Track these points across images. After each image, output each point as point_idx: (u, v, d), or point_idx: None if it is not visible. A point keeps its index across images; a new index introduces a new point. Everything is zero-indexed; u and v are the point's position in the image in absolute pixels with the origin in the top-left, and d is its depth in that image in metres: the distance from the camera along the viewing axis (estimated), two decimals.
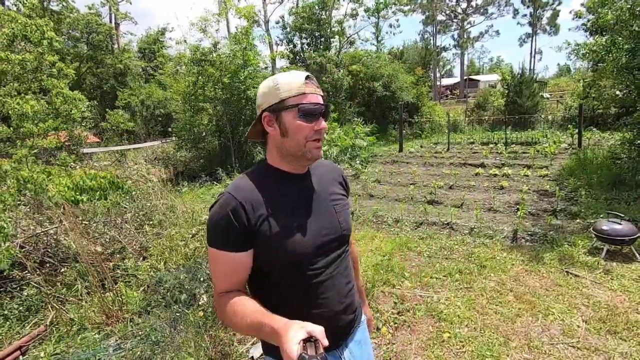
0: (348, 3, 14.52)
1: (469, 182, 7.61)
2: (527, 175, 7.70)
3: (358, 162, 4.07)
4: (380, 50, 19.60)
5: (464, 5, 48.75)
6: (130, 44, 21.79)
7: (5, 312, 3.11)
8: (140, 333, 2.76)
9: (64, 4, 20.46)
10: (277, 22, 15.54)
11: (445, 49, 52.19)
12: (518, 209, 5.51)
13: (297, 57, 14.11)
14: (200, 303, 2.96)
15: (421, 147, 13.88)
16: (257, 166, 1.12)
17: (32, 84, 7.21)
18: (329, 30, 14.14)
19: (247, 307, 0.92)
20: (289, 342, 0.73)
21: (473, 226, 4.99)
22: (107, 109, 18.12)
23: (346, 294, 1.14)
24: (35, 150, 5.68)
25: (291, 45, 14.43)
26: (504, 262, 3.87)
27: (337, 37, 14.70)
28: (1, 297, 3.19)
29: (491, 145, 12.33)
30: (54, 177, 3.50)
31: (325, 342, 0.74)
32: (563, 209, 5.41)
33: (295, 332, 0.75)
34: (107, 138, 14.90)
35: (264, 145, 1.12)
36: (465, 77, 48.87)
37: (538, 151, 10.38)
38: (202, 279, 3.18)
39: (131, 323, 2.96)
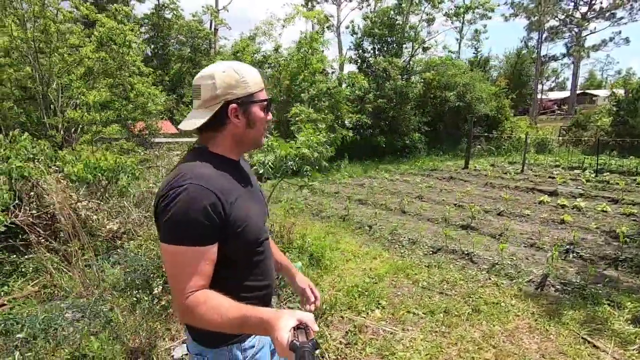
0: (425, 7, 13.68)
1: (524, 210, 6.53)
2: (606, 212, 6.30)
3: (308, 173, 3.77)
4: (458, 57, 18.16)
5: (583, 9, 42.42)
6: (224, 47, 23.98)
7: (16, 268, 3.62)
8: (95, 309, 2.95)
9: (175, 12, 23.51)
10: (347, 27, 15.41)
11: (554, 58, 46.10)
12: (567, 250, 4.54)
13: (365, 62, 13.83)
14: (154, 292, 3.05)
15: (492, 165, 12.44)
16: (200, 154, 1.07)
17: (114, 79, 8.38)
18: (401, 36, 13.56)
19: (223, 303, 0.91)
20: (281, 330, 0.76)
21: (496, 261, 4.24)
22: None
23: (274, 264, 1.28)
24: (97, 137, 6.62)
25: (360, 50, 14.24)
26: (507, 310, 3.18)
27: (410, 42, 14.02)
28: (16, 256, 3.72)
29: (577, 172, 10.42)
30: (79, 159, 3.96)
31: (316, 328, 0.77)
32: (630, 258, 4.26)
33: (286, 321, 0.78)
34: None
35: (206, 132, 1.09)
36: (579, 91, 42.52)
37: (639, 184, 8.44)
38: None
39: (101, 298, 3.20)
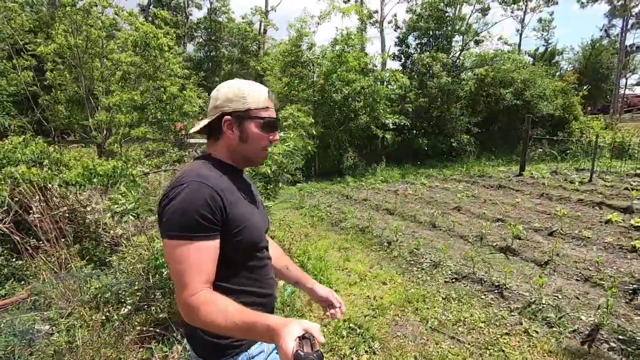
0: None
1: (584, 231, 5.44)
2: None
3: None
4: (518, 50, 16.25)
5: None
6: (272, 48, 24.29)
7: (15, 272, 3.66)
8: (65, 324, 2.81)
9: (227, 16, 24.30)
10: (390, 22, 14.49)
11: None
12: (635, 292, 3.58)
13: (409, 59, 12.85)
14: (121, 312, 2.83)
15: (554, 172, 10.88)
16: (203, 159, 1.14)
17: (152, 82, 8.62)
18: (451, 29, 12.41)
19: (228, 307, 0.90)
20: (286, 339, 0.74)
21: (534, 299, 3.44)
22: None
23: (274, 275, 1.27)
24: (125, 138, 6.79)
25: (404, 46, 13.27)
26: None
27: (461, 35, 12.79)
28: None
29: None
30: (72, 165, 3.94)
31: (322, 339, 0.76)
32: None
33: (292, 329, 0.76)
34: None
35: (210, 140, 1.17)
36: None
37: None
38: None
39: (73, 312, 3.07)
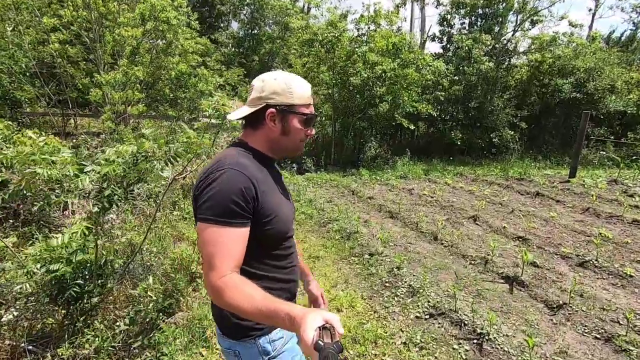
0: None
1: (627, 267, 4.28)
2: None
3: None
4: (589, 34, 13.78)
5: None
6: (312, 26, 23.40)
7: None
8: None
9: None
10: None
11: None
12: None
13: (451, 41, 11.31)
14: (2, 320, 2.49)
15: (613, 181, 9.15)
16: (240, 146, 1.18)
17: (162, 58, 8.38)
18: (503, 6, 10.69)
19: (254, 292, 0.92)
20: (307, 328, 0.74)
21: None
22: None
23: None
24: (120, 115, 6.62)
25: (445, 26, 11.71)
26: None
27: (515, 14, 11.00)
28: None
29: None
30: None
31: (341, 331, 0.76)
32: None
33: (313, 319, 0.76)
34: None
35: (247, 128, 1.21)
36: None
37: None
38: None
39: None
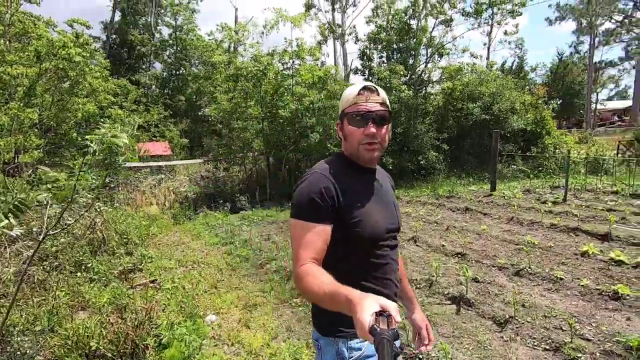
0: (442, 8, 11.81)
1: (557, 269, 4.49)
2: None
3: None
4: (487, 64, 15.83)
5: None
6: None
7: None
8: None
9: (192, 33, 23.55)
10: (350, 34, 13.86)
11: (611, 63, 41.23)
12: None
13: (371, 73, 12.11)
14: None
15: (527, 191, 10.08)
16: (337, 156, 1.29)
17: (63, 101, 7.48)
18: (415, 41, 11.77)
19: (324, 277, 0.98)
20: (363, 313, 0.75)
21: None
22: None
23: (398, 279, 1.33)
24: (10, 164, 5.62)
25: (366, 59, 12.57)
26: None
27: (426, 48, 12.18)
28: None
29: None
30: None
31: (399, 319, 0.75)
32: None
33: (369, 304, 0.76)
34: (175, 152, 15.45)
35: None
36: None
37: None
38: None
39: None
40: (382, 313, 0.74)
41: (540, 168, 12.16)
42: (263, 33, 8.72)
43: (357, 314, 0.76)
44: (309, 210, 1.10)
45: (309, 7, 16.17)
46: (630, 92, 43.14)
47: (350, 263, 1.17)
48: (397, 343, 0.78)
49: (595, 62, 34.30)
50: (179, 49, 23.42)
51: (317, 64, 10.55)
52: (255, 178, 9.83)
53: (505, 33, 16.70)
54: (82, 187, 1.75)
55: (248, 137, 9.74)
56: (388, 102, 1.25)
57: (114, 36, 24.47)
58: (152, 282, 4.41)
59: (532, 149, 13.13)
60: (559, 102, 14.45)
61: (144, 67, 25.47)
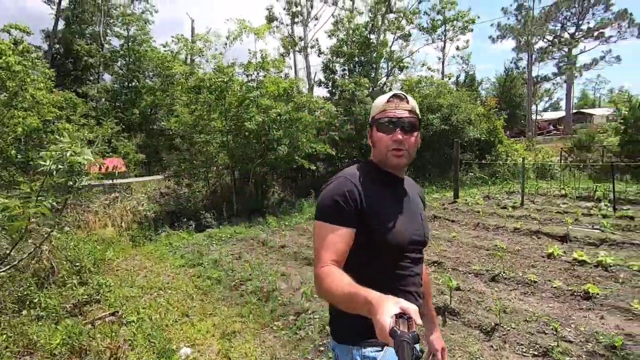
0: (399, 23, 12.34)
1: (528, 271, 4.65)
2: None
3: None
4: (442, 76, 16.73)
5: (571, 29, 42.15)
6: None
7: None
8: None
9: (146, 44, 22.58)
10: (312, 47, 14.07)
11: (546, 78, 45.47)
12: None
13: (335, 85, 12.31)
14: None
15: (487, 197, 10.59)
16: (365, 163, 1.29)
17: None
18: (376, 55, 12.12)
19: (344, 279, 0.98)
20: (383, 315, 0.74)
21: None
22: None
23: (420, 294, 1.28)
24: None
25: (329, 72, 12.76)
26: None
27: (386, 62, 12.59)
28: None
29: (590, 204, 8.55)
30: None
31: (419, 321, 0.74)
32: None
33: (389, 306, 0.75)
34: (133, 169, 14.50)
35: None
36: (574, 111, 41.52)
37: None
38: None
39: None
40: (402, 315, 0.73)
41: (496, 175, 12.87)
42: (226, 44, 8.47)
43: (376, 316, 0.75)
44: (332, 213, 1.11)
45: (270, 19, 16.16)
46: (563, 104, 47.85)
47: (374, 269, 1.16)
48: (417, 346, 0.75)
49: (533, 77, 37.56)
50: (131, 60, 22.27)
51: (281, 76, 10.44)
52: (220, 193, 9.39)
53: (457, 48, 17.81)
54: (38, 216, 1.44)
55: (211, 151, 9.33)
56: (418, 111, 1.24)
57: (57, 45, 22.76)
58: (113, 314, 3.94)
59: (486, 157, 13.91)
60: (506, 113, 15.61)
61: (91, 78, 23.88)
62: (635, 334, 3.14)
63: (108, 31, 24.71)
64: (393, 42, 12.79)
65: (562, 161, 14.50)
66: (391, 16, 12.38)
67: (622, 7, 38.68)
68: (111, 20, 24.27)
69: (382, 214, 1.16)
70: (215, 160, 9.42)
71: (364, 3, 15.18)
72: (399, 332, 0.69)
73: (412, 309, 0.75)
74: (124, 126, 18.64)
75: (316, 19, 16.38)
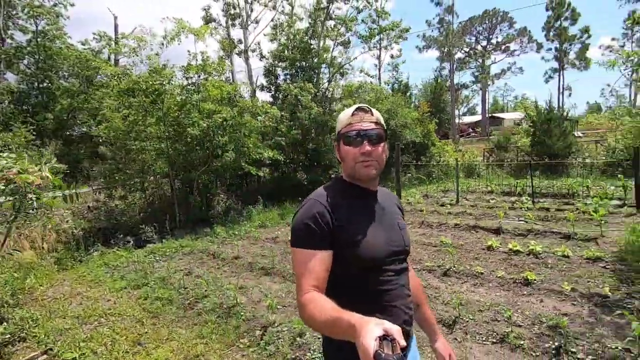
0: (339, 30, 12.73)
1: (474, 264, 5.05)
2: (568, 257, 5.04)
3: None
4: (378, 82, 17.63)
5: (484, 43, 47.37)
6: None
7: None
8: None
9: (61, 40, 20.17)
10: (254, 51, 13.96)
11: (465, 86, 50.37)
12: (558, 351, 2.92)
13: (278, 90, 12.25)
14: None
15: (425, 196, 11.34)
16: (335, 180, 1.30)
17: None
18: (317, 60, 12.30)
19: (326, 304, 0.96)
20: (366, 337, 0.72)
21: None
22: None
23: (409, 306, 1.23)
24: None
25: (271, 77, 12.67)
26: None
27: (327, 67, 12.86)
28: None
29: (513, 199, 9.62)
30: None
31: (403, 343, 0.73)
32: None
33: (373, 328, 0.74)
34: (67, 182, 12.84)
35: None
36: (488, 115, 46.56)
37: (578, 210, 7.65)
38: None
39: None
40: (386, 337, 0.72)
41: (431, 175, 13.83)
42: (163, 44, 7.83)
43: (359, 339, 0.74)
44: (305, 237, 1.10)
45: (207, 20, 15.46)
46: (479, 109, 53.38)
47: (354, 288, 1.14)
48: None
49: (455, 84, 41.34)
50: (41, 58, 19.64)
51: (222, 80, 10.06)
52: (159, 204, 8.68)
53: (392, 57, 18.85)
54: None
55: (148, 159, 8.60)
56: (382, 122, 1.25)
57: None
58: (46, 352, 3.39)
59: (422, 158, 14.91)
60: (438, 117, 16.98)
61: None
62: (570, 312, 3.58)
63: (9, 24, 21.55)
64: (334, 48, 13.08)
65: (485, 160, 16.10)
66: (330, 23, 12.69)
67: (523, 25, 44.49)
68: (14, 12, 21.20)
69: (355, 230, 1.13)
70: (152, 168, 8.69)
71: (303, 9, 15.42)
72: (383, 355, 0.68)
73: (395, 329, 0.74)
74: (34, 133, 16.36)
75: (256, 22, 16.19)
